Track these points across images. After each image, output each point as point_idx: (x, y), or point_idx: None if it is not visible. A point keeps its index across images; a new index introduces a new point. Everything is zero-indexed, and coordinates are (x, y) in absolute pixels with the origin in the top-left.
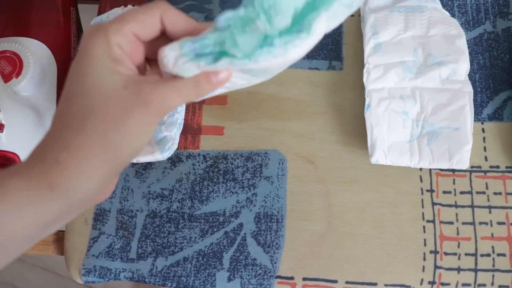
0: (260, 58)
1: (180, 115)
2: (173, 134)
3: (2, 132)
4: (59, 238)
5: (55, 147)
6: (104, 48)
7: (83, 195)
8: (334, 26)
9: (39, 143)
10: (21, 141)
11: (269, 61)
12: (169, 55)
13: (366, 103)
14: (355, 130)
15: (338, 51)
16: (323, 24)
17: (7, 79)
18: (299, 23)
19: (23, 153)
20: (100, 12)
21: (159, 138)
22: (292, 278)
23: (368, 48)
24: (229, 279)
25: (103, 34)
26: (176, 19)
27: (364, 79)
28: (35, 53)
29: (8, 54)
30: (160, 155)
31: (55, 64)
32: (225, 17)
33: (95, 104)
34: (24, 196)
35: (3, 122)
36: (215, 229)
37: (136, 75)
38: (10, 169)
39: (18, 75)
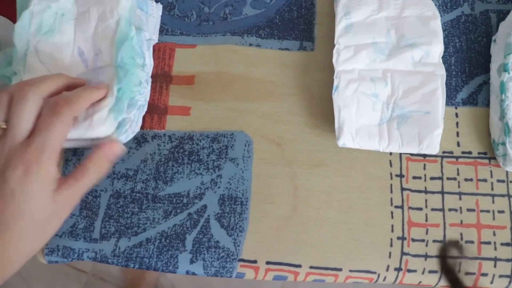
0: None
1: (142, 96)
2: (133, 116)
3: None
4: None
5: None
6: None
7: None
8: None
9: None
10: None
11: None
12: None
13: (335, 84)
14: (324, 113)
15: (310, 31)
16: None
17: None
18: None
19: None
20: None
21: (118, 120)
22: (255, 261)
23: (339, 28)
24: (192, 261)
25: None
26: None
27: (334, 60)
28: (5, 31)
29: None
30: (119, 139)
31: None
32: None
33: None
34: None
35: None
36: (178, 211)
37: None
38: None
39: None
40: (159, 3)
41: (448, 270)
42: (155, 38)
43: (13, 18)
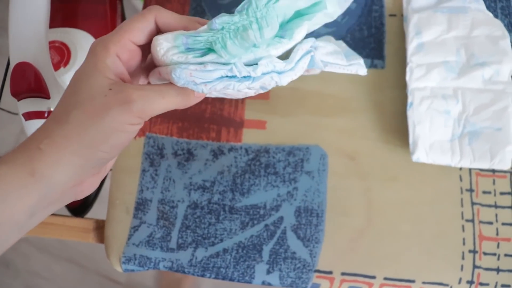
0: (244, 57)
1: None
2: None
3: None
4: (99, 226)
5: (39, 137)
6: (101, 57)
7: (59, 183)
8: (313, 29)
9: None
10: None
11: (251, 61)
12: (162, 44)
13: (409, 101)
14: (396, 128)
15: (380, 50)
16: (303, 32)
17: (55, 68)
18: (283, 28)
19: None
20: (145, 6)
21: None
22: (331, 272)
23: (411, 47)
24: (268, 272)
25: (103, 45)
26: (168, 20)
27: (407, 78)
28: (82, 43)
29: (57, 44)
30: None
31: None
32: (220, 20)
33: (80, 100)
34: (9, 182)
35: (52, 109)
36: (255, 222)
37: (126, 81)
38: None
39: (66, 64)
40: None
41: None
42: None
43: (97, 36)
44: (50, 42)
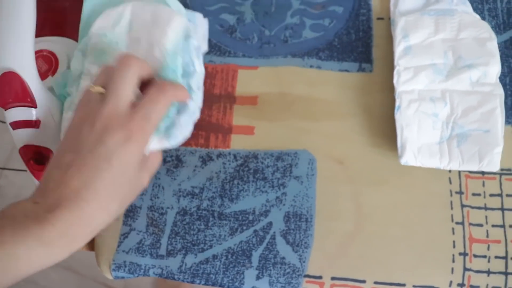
0: None
1: (194, 103)
2: (182, 121)
3: (38, 128)
4: None
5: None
6: None
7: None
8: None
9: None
10: (56, 137)
11: None
12: None
13: (397, 104)
14: (384, 132)
15: (368, 53)
16: None
17: (43, 77)
18: None
19: None
20: None
21: (166, 125)
22: (320, 277)
23: (398, 50)
24: (258, 277)
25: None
26: None
27: (395, 81)
28: (70, 52)
29: (44, 53)
30: (167, 143)
31: None
32: None
33: None
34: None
35: (39, 118)
36: (244, 227)
37: None
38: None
39: (53, 73)
40: (206, 18)
41: None
42: (204, 47)
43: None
44: (38, 51)
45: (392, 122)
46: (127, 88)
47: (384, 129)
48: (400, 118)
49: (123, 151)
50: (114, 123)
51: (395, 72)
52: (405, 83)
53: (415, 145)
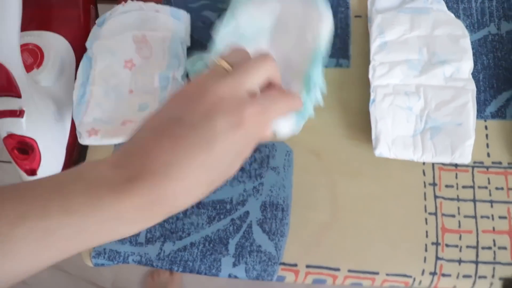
0: None
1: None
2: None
3: (22, 118)
4: None
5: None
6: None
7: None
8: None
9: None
10: (39, 127)
11: None
12: None
13: (371, 98)
14: (360, 125)
15: (345, 49)
16: None
17: (29, 69)
18: None
19: (41, 140)
20: None
21: (300, 124)
22: (295, 265)
23: (374, 46)
24: (234, 265)
25: None
26: None
27: (370, 76)
28: (55, 46)
29: (30, 47)
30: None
31: (74, 57)
32: None
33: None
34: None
35: (23, 108)
36: (222, 216)
37: None
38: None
39: (39, 66)
40: (188, 14)
41: None
42: (187, 42)
43: (70, 39)
44: (24, 45)
45: (368, 116)
46: (255, 77)
47: (360, 123)
48: (375, 111)
49: (229, 137)
50: (229, 104)
51: (370, 67)
52: (380, 77)
53: (389, 137)
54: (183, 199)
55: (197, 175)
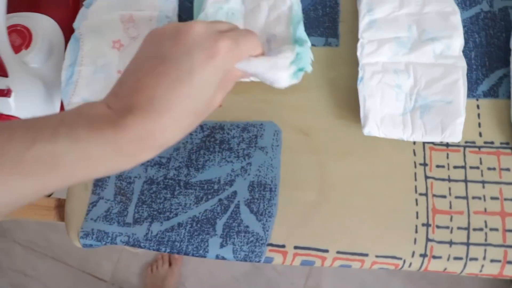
0: None
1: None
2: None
3: (10, 97)
4: (61, 204)
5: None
6: None
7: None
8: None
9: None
10: (28, 107)
11: None
12: None
13: (360, 76)
14: (349, 104)
15: (334, 28)
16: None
17: (17, 50)
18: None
19: None
20: None
21: (296, 74)
22: (283, 246)
23: (362, 24)
24: (222, 245)
25: None
26: None
27: (358, 53)
28: (44, 27)
29: (19, 28)
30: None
31: (63, 38)
32: None
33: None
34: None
35: (11, 87)
36: (209, 196)
37: None
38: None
39: (27, 47)
40: None
41: None
42: (175, 20)
43: (59, 20)
44: (12, 26)
45: (357, 95)
46: (228, 26)
47: (349, 102)
48: (363, 89)
49: (207, 68)
50: (205, 38)
51: (358, 45)
52: (369, 55)
53: (378, 115)
54: (171, 131)
55: (182, 106)
